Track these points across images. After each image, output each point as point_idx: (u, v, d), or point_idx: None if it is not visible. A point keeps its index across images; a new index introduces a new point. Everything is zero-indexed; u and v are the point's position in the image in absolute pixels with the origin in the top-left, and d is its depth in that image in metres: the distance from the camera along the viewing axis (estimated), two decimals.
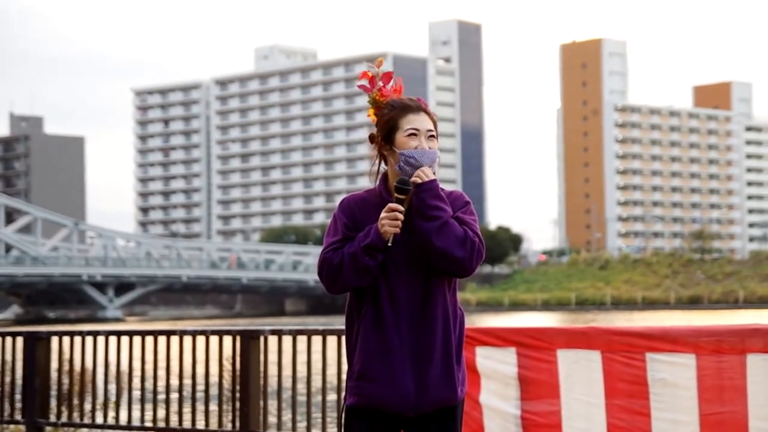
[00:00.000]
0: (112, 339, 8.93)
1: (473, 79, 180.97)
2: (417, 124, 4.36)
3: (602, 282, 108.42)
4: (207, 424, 8.36)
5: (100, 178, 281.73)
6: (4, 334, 9.53)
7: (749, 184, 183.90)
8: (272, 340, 8.15)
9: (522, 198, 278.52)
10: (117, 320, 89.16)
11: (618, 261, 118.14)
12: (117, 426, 8.92)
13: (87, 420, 9.07)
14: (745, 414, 5.80)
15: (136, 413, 8.87)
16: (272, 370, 8.17)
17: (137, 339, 8.82)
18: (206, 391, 8.38)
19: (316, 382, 8.10)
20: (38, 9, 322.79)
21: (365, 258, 4.24)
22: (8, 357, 9.52)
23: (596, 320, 64.09)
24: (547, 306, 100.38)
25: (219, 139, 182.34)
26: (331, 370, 7.71)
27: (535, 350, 6.42)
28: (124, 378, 8.89)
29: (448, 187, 4.42)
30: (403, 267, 4.31)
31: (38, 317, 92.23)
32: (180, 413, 8.52)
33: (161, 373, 8.67)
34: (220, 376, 8.40)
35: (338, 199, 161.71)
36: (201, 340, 8.49)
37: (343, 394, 6.11)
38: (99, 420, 9.06)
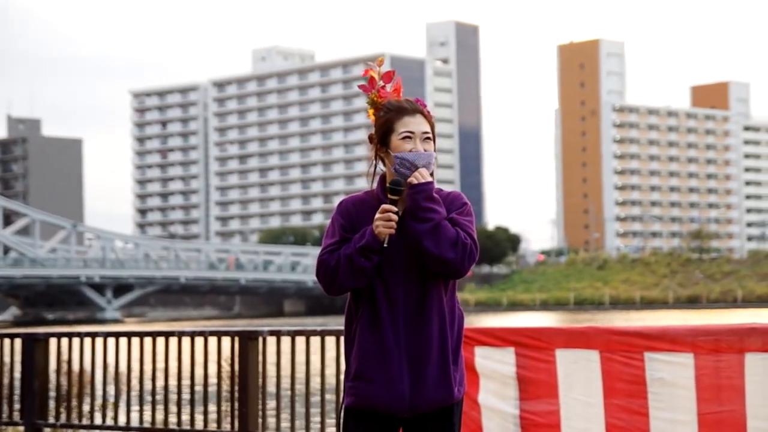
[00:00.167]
0: (111, 340, 8.92)
1: (471, 80, 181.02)
2: (412, 127, 4.36)
3: (600, 282, 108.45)
4: (206, 425, 8.36)
5: (98, 179, 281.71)
6: (2, 336, 9.52)
7: (747, 183, 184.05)
8: (271, 341, 8.15)
9: (520, 198, 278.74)
10: (115, 321, 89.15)
11: (616, 261, 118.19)
12: (116, 427, 8.92)
13: (86, 421, 9.07)
14: (743, 413, 5.80)
15: (134, 414, 8.87)
16: (271, 370, 8.17)
17: (136, 340, 8.82)
18: (205, 392, 8.38)
19: (315, 383, 8.10)
20: (37, 10, 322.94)
21: (360, 259, 4.25)
22: (6, 359, 9.51)
23: (594, 320, 64.11)
24: (545, 306, 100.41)
25: (217, 141, 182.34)
26: (330, 371, 7.71)
27: (533, 350, 6.42)
28: (123, 379, 8.90)
29: (446, 188, 4.42)
30: (399, 268, 4.32)
31: (37, 319, 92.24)
32: (179, 414, 8.52)
33: (160, 374, 8.66)
34: (219, 377, 8.39)
35: (336, 200, 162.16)
36: (199, 341, 8.49)
37: (341, 394, 6.12)
38: (98, 421, 9.05)
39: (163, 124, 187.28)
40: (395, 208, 4.26)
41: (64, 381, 9.18)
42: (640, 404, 6.08)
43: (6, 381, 9.54)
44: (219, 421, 8.29)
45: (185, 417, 8.54)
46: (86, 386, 9.22)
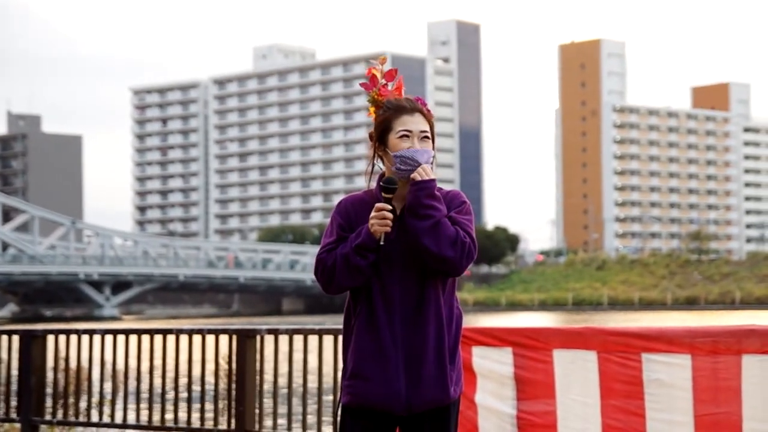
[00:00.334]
0: (108, 337, 8.92)
1: (472, 80, 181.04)
2: (410, 126, 4.36)
3: (599, 282, 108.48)
4: (203, 423, 8.35)
5: (97, 176, 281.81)
6: (0, 332, 9.52)
7: (747, 185, 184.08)
8: (269, 339, 8.14)
9: (520, 198, 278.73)
10: (113, 319, 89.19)
11: (615, 261, 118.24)
12: (112, 424, 8.91)
13: (82, 418, 9.06)
14: (739, 415, 5.79)
15: (131, 412, 8.86)
16: (268, 369, 8.16)
17: (133, 338, 8.82)
18: (202, 390, 8.37)
19: (313, 382, 8.09)
20: (36, 9, 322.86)
21: (356, 258, 4.25)
22: (4, 355, 9.51)
23: (592, 320, 64.12)
24: (544, 306, 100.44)
25: (217, 139, 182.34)
26: (328, 370, 7.71)
27: (531, 350, 6.42)
28: (120, 377, 8.89)
29: (446, 187, 4.42)
30: (396, 267, 4.32)
31: (35, 315, 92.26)
32: (176, 412, 8.51)
33: (157, 372, 8.66)
34: (217, 375, 8.40)
35: (336, 199, 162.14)
36: (197, 339, 8.49)
37: (339, 393, 6.12)
38: (94, 418, 9.05)
39: (164, 121, 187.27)
40: (390, 207, 4.26)
41: (61, 378, 9.17)
42: (637, 405, 6.08)
43: (3, 378, 9.54)
44: (216, 420, 8.29)
45: (182, 415, 8.53)
46: (83, 383, 9.22)
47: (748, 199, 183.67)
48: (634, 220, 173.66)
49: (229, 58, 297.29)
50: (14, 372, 9.43)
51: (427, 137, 4.38)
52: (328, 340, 7.76)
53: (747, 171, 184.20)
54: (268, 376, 8.25)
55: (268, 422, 8.22)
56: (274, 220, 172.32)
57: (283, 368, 8.03)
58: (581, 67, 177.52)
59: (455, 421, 4.41)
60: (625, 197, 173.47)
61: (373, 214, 4.26)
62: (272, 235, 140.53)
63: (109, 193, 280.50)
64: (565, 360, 6.31)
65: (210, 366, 8.47)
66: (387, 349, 4.30)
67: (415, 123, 4.37)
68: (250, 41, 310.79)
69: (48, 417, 9.16)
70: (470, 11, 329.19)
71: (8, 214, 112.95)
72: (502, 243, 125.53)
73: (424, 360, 4.30)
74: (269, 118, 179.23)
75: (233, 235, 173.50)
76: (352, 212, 4.39)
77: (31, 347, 9.18)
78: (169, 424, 8.53)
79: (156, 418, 8.61)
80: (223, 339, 8.34)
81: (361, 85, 4.52)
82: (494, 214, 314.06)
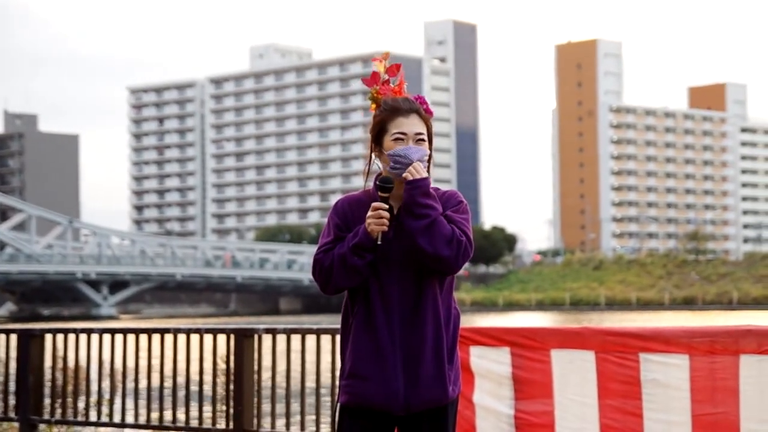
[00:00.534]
0: (106, 337, 8.92)
1: (468, 80, 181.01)
2: (404, 128, 4.36)
3: (596, 282, 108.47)
4: (201, 422, 8.36)
5: (94, 175, 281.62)
6: None
7: (744, 185, 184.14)
8: (266, 338, 8.15)
9: (517, 198, 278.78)
10: (111, 318, 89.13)
11: (612, 261, 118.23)
12: (110, 424, 8.92)
13: (80, 417, 9.07)
14: (737, 415, 5.80)
15: (129, 411, 8.87)
16: (266, 368, 8.17)
17: (131, 337, 8.82)
18: (200, 389, 8.38)
19: (310, 381, 8.10)
20: (34, 8, 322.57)
21: (354, 258, 4.26)
22: (2, 354, 9.51)
23: (590, 320, 64.12)
24: (541, 306, 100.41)
25: (214, 138, 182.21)
26: (325, 369, 7.72)
27: (529, 350, 6.42)
28: (118, 376, 8.89)
29: (442, 187, 4.42)
30: (394, 266, 4.32)
31: (32, 315, 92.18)
32: (174, 412, 8.51)
33: (155, 371, 8.66)
34: (214, 375, 8.40)
35: (333, 199, 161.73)
36: (195, 338, 8.49)
37: (337, 393, 6.13)
38: (92, 417, 9.06)
39: (160, 120, 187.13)
40: (386, 206, 4.26)
41: (59, 377, 9.18)
42: (635, 405, 6.08)
43: (1, 377, 9.54)
44: (214, 419, 8.29)
45: (180, 414, 8.54)
46: (81, 383, 9.22)
47: (745, 199, 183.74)
48: (631, 220, 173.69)
49: (226, 58, 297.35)
50: (12, 371, 9.43)
51: (422, 139, 4.38)
52: (325, 339, 7.76)
53: (744, 171, 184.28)
54: (266, 375, 8.26)
55: (265, 422, 8.23)
56: (271, 220, 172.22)
57: (281, 367, 8.04)
58: (578, 67, 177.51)
59: (453, 421, 4.42)
60: (622, 197, 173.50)
61: (369, 213, 4.26)
62: (269, 235, 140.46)
63: (106, 192, 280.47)
64: (563, 360, 6.31)
65: (208, 365, 8.47)
66: (385, 348, 4.30)
67: (410, 125, 4.36)
68: (247, 41, 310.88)
69: (46, 416, 9.16)
70: (467, 11, 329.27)
71: (5, 213, 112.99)
72: (500, 243, 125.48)
73: (422, 360, 4.30)
74: (266, 117, 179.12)
75: (230, 235, 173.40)
76: (349, 212, 4.39)
77: (29, 346, 9.18)
78: (167, 423, 8.53)
79: (154, 417, 8.61)
80: (221, 338, 8.34)
81: (363, 80, 4.52)
82: (491, 214, 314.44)
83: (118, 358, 8.86)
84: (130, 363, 8.81)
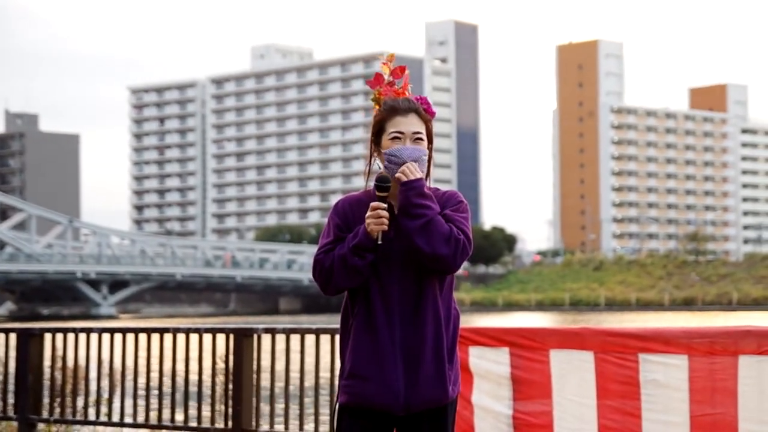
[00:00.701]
0: (106, 336, 8.93)
1: (469, 80, 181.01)
2: (402, 127, 4.36)
3: (596, 283, 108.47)
4: (200, 421, 8.36)
5: (95, 175, 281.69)
6: None
7: (744, 186, 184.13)
8: (265, 338, 8.15)
9: (517, 198, 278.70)
10: (111, 317, 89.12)
11: (612, 262, 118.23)
12: (109, 423, 8.92)
13: (79, 417, 9.07)
14: (735, 416, 5.80)
15: (128, 410, 8.87)
16: (265, 368, 8.16)
17: (130, 336, 8.82)
18: (199, 389, 8.38)
19: (310, 381, 8.10)
20: (35, 7, 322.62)
21: (354, 258, 4.25)
22: (1, 353, 9.51)
23: (589, 321, 64.12)
24: (541, 306, 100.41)
25: (214, 138, 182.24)
26: (324, 369, 7.72)
27: (528, 350, 6.42)
28: (117, 375, 8.89)
29: (442, 187, 4.42)
30: (395, 266, 4.32)
31: (32, 314, 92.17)
32: (173, 411, 8.51)
33: (154, 370, 8.66)
34: (213, 374, 8.40)
35: (333, 199, 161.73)
36: (194, 337, 8.49)
37: (336, 392, 6.12)
38: (91, 417, 9.06)
39: (161, 120, 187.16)
40: (384, 205, 4.26)
41: (58, 376, 9.18)
42: (633, 405, 6.08)
43: (0, 376, 9.54)
44: (213, 419, 8.29)
45: (179, 414, 8.54)
46: (80, 382, 9.22)
47: (745, 200, 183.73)
48: (632, 220, 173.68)
49: (227, 58, 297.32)
50: (11, 370, 9.43)
51: (420, 139, 4.38)
52: (325, 339, 7.76)
53: (744, 172, 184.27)
54: (265, 375, 8.25)
55: (264, 421, 8.23)
56: (271, 220, 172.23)
57: (280, 367, 8.04)
58: (579, 68, 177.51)
59: (452, 421, 4.42)
60: (623, 198, 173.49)
61: (368, 213, 4.26)
62: (269, 235, 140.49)
63: (106, 191, 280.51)
64: (562, 360, 6.31)
65: (207, 365, 8.47)
66: (385, 349, 4.30)
67: (407, 124, 4.37)
68: (248, 41, 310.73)
69: (45, 415, 9.16)
70: (468, 12, 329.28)
71: (5, 213, 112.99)
72: (499, 243, 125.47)
73: (423, 360, 4.30)
74: (267, 117, 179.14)
75: (230, 235, 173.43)
76: (349, 212, 4.39)
77: (29, 346, 9.18)
78: (166, 422, 8.53)
79: (153, 416, 8.61)
80: (220, 338, 8.34)
81: (366, 82, 4.53)
82: (491, 215, 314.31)
83: (117, 357, 8.86)
84: (130, 362, 8.82)
